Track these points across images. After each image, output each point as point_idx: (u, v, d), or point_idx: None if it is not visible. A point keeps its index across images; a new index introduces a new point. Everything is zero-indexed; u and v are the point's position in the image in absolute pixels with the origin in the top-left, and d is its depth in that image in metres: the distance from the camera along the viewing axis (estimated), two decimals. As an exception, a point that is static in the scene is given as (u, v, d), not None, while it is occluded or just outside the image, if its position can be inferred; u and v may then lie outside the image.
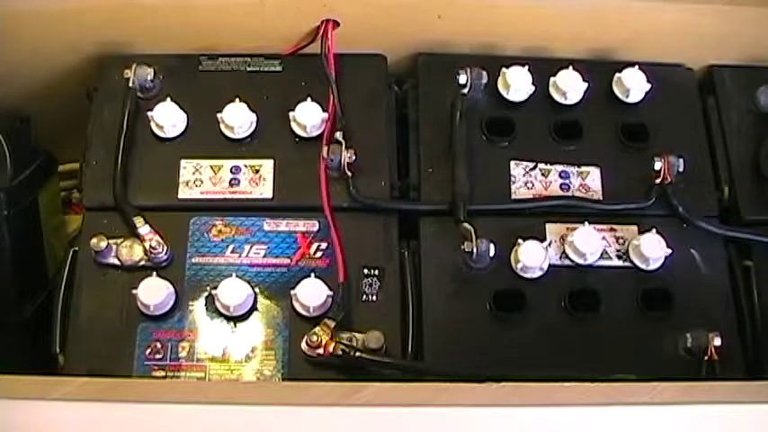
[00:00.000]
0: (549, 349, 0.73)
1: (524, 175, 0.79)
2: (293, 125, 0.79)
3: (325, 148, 0.76)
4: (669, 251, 0.75)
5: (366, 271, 0.74)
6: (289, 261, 0.75)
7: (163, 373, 0.70)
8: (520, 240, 0.75)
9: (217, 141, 0.79)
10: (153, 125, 0.78)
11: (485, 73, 0.80)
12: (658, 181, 0.77)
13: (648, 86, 0.81)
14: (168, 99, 0.79)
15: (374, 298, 0.74)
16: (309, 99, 0.78)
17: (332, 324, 0.70)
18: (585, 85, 0.81)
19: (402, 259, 0.75)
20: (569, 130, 0.81)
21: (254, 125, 0.79)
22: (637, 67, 0.82)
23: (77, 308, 0.72)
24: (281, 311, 0.73)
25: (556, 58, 0.84)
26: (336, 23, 0.80)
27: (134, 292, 0.71)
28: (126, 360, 0.70)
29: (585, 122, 0.81)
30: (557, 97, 0.81)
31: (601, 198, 0.78)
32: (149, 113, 0.78)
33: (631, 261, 0.76)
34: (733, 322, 0.74)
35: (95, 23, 0.81)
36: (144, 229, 0.74)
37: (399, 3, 0.81)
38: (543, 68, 0.82)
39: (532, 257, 0.74)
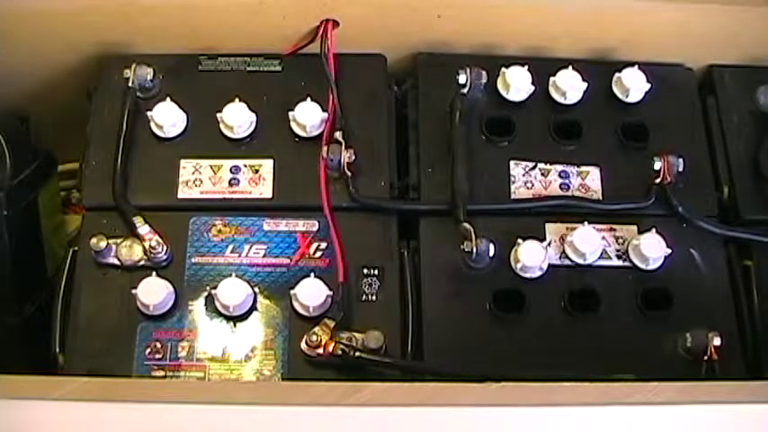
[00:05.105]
0: (548, 349, 0.73)
1: (524, 175, 0.79)
2: (293, 125, 0.79)
3: (324, 148, 0.76)
4: (669, 251, 0.74)
5: (366, 271, 0.74)
6: (288, 261, 0.75)
7: (162, 373, 0.70)
8: (519, 240, 0.75)
9: (216, 141, 0.79)
10: (153, 125, 0.78)
11: (484, 73, 0.80)
12: (658, 181, 0.77)
13: (648, 86, 0.81)
14: (168, 99, 0.79)
15: (374, 298, 0.74)
16: (309, 99, 0.78)
17: (331, 324, 0.70)
18: (585, 84, 0.81)
19: (402, 259, 0.75)
20: (569, 130, 0.81)
21: (253, 125, 0.79)
22: (636, 66, 0.82)
23: (77, 308, 0.72)
24: (280, 311, 0.73)
25: (555, 57, 0.84)
26: (336, 23, 0.80)
27: (134, 291, 0.71)
28: (126, 360, 0.70)
29: (585, 122, 0.81)
30: (556, 97, 0.81)
31: (600, 198, 0.78)
32: (149, 113, 0.78)
33: (631, 261, 0.76)
34: (733, 322, 0.74)
35: (95, 23, 0.81)
36: (143, 228, 0.74)
37: (399, 3, 0.81)
38: (543, 68, 0.82)
39: (532, 257, 0.74)
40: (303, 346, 0.70)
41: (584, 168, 0.79)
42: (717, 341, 0.70)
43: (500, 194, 0.78)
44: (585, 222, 0.75)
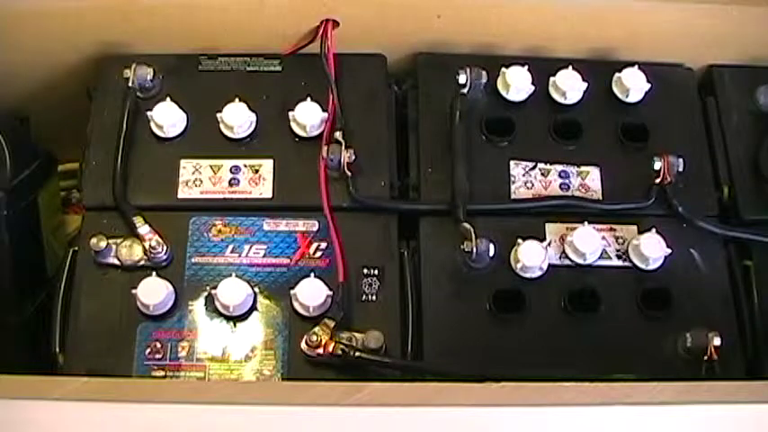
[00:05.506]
0: (548, 349, 0.73)
1: (524, 175, 0.79)
2: (293, 125, 0.79)
3: (324, 148, 0.76)
4: (669, 251, 0.74)
5: (366, 271, 0.74)
6: (288, 261, 0.75)
7: (163, 373, 0.70)
8: (519, 240, 0.75)
9: (216, 141, 0.79)
10: (152, 125, 0.78)
11: (484, 73, 0.80)
12: (658, 181, 0.77)
13: (648, 86, 0.81)
14: (168, 99, 0.79)
15: (374, 298, 0.74)
16: (309, 99, 0.78)
17: (331, 324, 0.70)
18: (585, 84, 0.81)
19: (402, 259, 0.75)
20: (569, 130, 0.81)
21: (253, 125, 0.79)
22: (636, 66, 0.82)
23: (77, 308, 0.72)
24: (280, 311, 0.73)
25: (555, 57, 0.84)
26: (336, 23, 0.80)
27: (134, 291, 0.71)
28: (126, 360, 0.70)
29: (585, 122, 0.81)
30: (556, 97, 0.81)
31: (600, 198, 0.78)
32: (149, 113, 0.78)
33: (631, 261, 0.76)
34: (733, 322, 0.74)
35: (95, 23, 0.81)
36: (143, 228, 0.74)
37: (399, 3, 0.81)
38: (543, 68, 0.82)
39: (532, 257, 0.74)
40: (303, 346, 0.70)
41: (584, 168, 0.79)
42: (717, 341, 0.70)
43: (500, 194, 0.78)
44: (585, 222, 0.75)
